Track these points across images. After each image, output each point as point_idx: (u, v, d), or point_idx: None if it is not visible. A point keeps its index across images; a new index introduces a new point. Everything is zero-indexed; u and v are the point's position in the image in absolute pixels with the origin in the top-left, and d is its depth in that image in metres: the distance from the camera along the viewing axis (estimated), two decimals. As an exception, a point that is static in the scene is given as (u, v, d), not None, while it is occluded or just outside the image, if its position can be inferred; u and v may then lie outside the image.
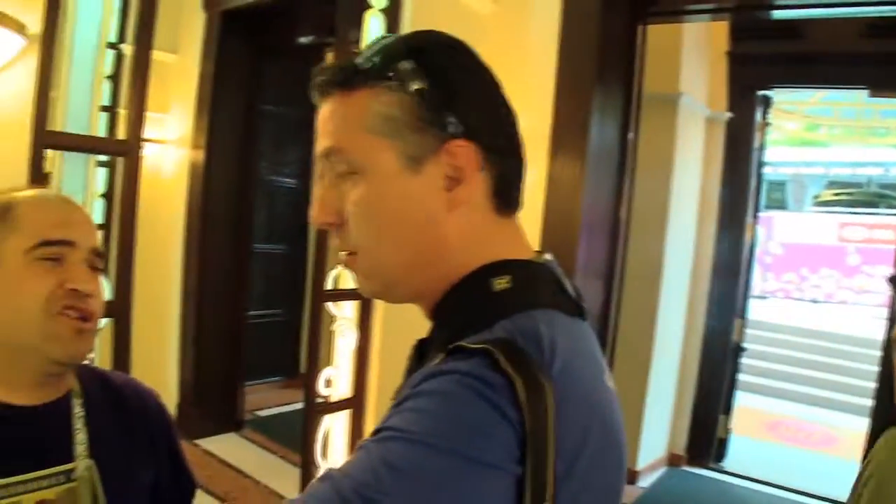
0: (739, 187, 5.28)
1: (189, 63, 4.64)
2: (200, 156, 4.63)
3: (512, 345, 0.69)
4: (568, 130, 3.00)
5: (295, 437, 4.27)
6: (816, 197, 15.84)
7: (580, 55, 3.02)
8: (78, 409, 1.14)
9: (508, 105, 0.84)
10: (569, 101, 3.01)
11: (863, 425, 5.20)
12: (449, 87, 0.77)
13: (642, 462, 4.83)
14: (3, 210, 1.09)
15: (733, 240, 5.26)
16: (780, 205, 15.63)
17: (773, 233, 13.60)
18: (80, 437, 1.12)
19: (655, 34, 3.54)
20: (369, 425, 3.15)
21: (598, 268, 3.31)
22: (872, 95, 5.78)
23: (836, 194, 15.18)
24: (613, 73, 3.15)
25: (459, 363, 0.68)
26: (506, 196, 0.83)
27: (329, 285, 3.08)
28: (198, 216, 4.65)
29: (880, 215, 14.10)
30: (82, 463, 1.11)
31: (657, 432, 5.07)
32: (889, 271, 12.60)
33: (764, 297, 12.41)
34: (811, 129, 15.52)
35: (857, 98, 12.92)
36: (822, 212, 14.72)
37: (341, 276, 3.14)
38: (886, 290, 12.26)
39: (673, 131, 4.58)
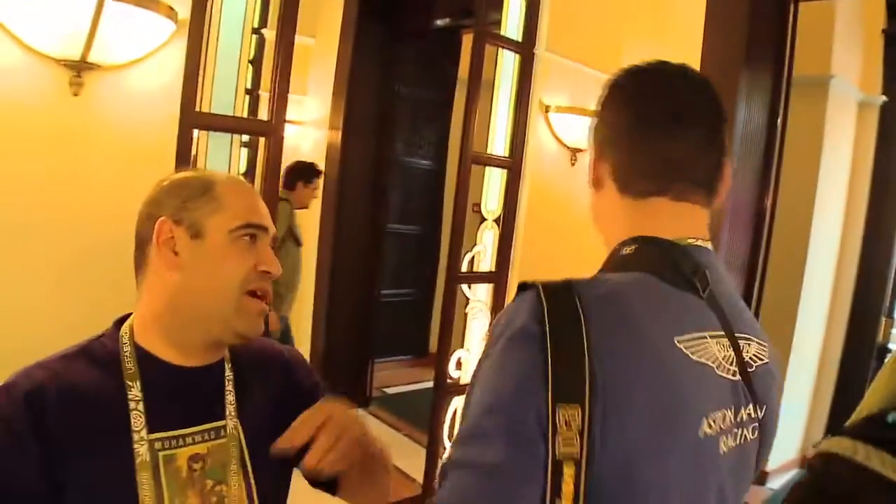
0: (893, 177, 4.95)
1: (327, 47, 4.76)
2: (337, 137, 4.75)
3: (561, 282, 0.87)
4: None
5: (421, 416, 4.33)
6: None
7: (727, 34, 2.89)
8: (228, 373, 1.24)
9: (655, 106, 1.00)
10: (714, 83, 2.90)
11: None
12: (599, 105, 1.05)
13: (773, 462, 4.64)
14: (205, 187, 1.18)
15: (883, 234, 4.94)
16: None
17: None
18: (230, 398, 1.22)
19: (806, 11, 3.34)
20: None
21: (740, 260, 3.17)
22: None
23: None
24: (762, 54, 3.00)
25: (514, 300, 0.88)
26: (623, 181, 1.00)
27: (464, 268, 3.11)
28: (334, 195, 4.77)
29: None
30: (231, 422, 1.20)
31: (791, 433, 4.86)
32: None
33: (911, 296, 11.59)
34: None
35: None
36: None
37: (476, 259, 3.15)
38: None
39: (822, 116, 4.33)
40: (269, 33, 4.16)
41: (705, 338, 0.92)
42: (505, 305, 3.14)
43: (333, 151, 4.77)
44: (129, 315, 1.21)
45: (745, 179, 3.08)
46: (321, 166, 4.57)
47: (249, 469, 1.20)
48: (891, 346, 5.19)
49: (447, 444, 3.16)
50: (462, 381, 3.16)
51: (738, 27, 2.86)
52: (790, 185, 3.98)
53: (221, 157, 3.36)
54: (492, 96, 3.13)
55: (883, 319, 5.04)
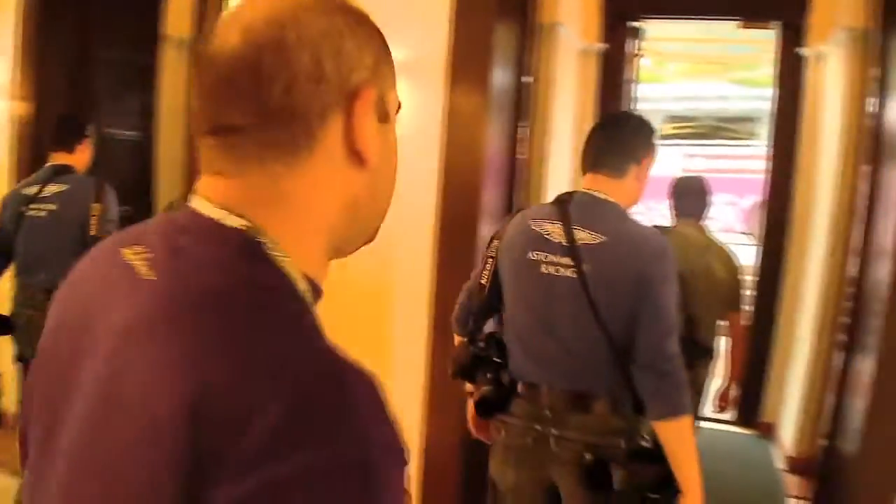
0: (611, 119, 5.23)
1: (5, 2, 4.03)
2: (26, 108, 4.09)
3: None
4: (468, 60, 2.76)
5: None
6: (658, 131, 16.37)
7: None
8: None
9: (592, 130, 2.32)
10: (469, 27, 2.76)
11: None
12: None
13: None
14: (382, 35, 0.81)
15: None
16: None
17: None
18: None
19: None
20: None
21: (497, 210, 3.18)
22: (744, 27, 5.87)
23: (677, 127, 15.76)
24: (512, 3, 2.93)
25: None
26: (582, 167, 2.21)
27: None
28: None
29: (720, 146, 14.84)
30: None
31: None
32: (728, 199, 13.31)
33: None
34: (659, 65, 16.05)
35: (705, 33, 13.74)
36: (664, 145, 15.22)
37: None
38: (738, 215, 12.95)
39: (551, 63, 4.39)
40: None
41: (544, 222, 2.08)
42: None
43: (22, 125, 4.08)
44: (236, 229, 0.68)
45: (497, 135, 3.06)
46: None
47: None
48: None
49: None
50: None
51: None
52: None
53: None
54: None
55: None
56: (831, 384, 3.17)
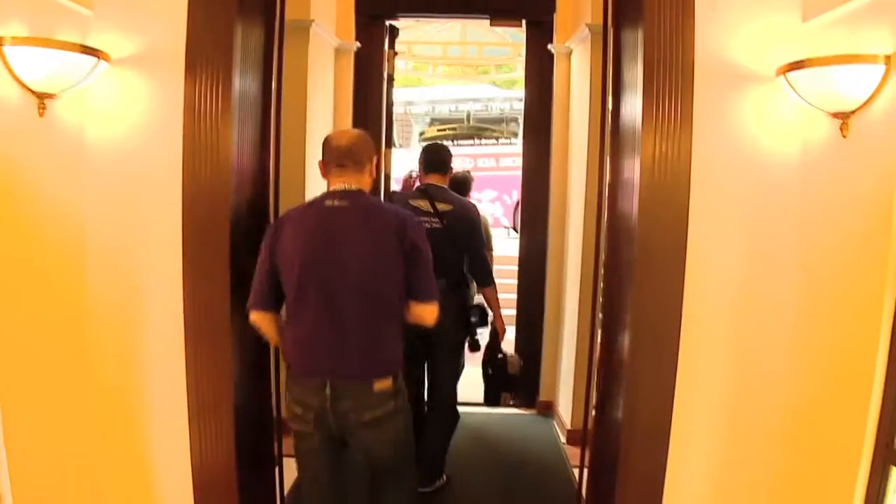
0: (372, 118, 5.27)
1: None
2: None
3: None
4: (207, 58, 2.57)
5: None
6: (422, 134, 16.70)
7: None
8: None
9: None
10: (206, 22, 2.56)
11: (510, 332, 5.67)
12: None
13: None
14: None
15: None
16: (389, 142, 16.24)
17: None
18: None
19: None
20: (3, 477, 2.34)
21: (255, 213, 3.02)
22: (494, 24, 6.02)
23: (441, 130, 16.19)
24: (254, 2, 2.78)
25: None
26: (423, 173, 4.37)
27: None
28: None
29: (482, 146, 15.42)
30: None
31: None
32: (495, 195, 13.87)
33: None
34: (419, 69, 16.39)
35: (462, 36, 14.41)
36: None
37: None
38: (504, 211, 13.42)
39: (305, 60, 4.27)
40: None
41: (417, 200, 4.13)
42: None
43: None
44: (358, 190, 2.78)
45: (246, 137, 2.93)
46: None
47: None
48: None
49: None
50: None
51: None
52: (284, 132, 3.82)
53: None
54: None
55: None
56: (595, 359, 3.30)
